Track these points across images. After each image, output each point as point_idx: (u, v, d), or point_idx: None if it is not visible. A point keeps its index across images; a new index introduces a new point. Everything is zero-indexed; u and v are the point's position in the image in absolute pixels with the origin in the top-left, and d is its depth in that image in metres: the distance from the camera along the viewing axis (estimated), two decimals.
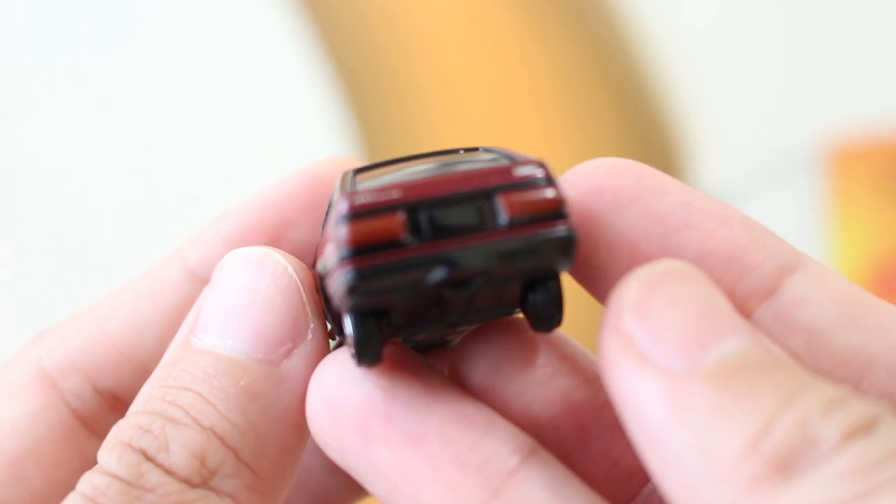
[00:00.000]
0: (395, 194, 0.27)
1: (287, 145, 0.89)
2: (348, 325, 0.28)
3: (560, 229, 0.27)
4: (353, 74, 0.88)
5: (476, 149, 0.31)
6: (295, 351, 0.30)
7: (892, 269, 0.84)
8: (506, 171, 0.28)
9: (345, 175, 0.30)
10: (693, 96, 0.88)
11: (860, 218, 0.85)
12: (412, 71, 0.88)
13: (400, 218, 0.27)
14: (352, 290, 0.27)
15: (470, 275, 0.27)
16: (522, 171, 0.28)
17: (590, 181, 0.29)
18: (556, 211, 0.27)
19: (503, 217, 0.27)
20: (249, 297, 0.30)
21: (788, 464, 0.24)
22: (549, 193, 0.27)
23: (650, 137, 0.89)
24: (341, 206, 0.27)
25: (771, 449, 0.24)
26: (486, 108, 0.89)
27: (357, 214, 0.27)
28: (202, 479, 0.28)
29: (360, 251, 0.27)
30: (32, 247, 0.87)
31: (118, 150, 0.88)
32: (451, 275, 0.27)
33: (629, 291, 0.26)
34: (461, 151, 0.31)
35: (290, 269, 0.31)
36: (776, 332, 0.28)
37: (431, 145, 0.87)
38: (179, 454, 0.29)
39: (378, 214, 0.27)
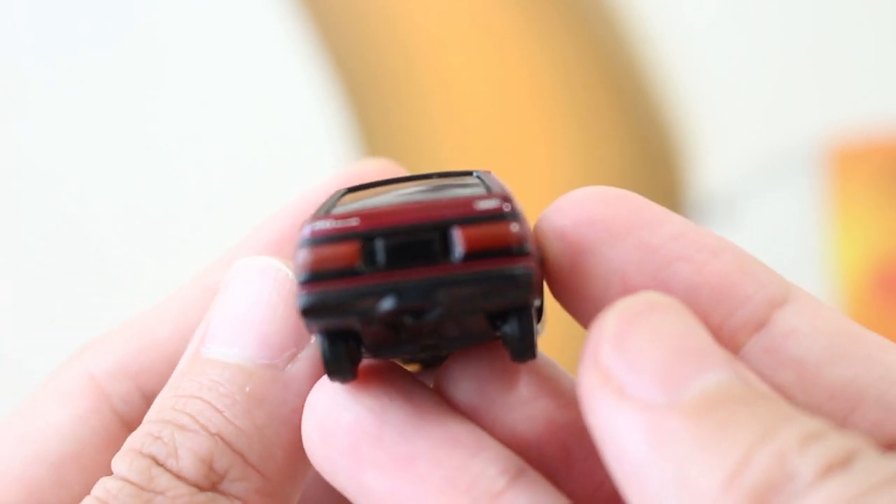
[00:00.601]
0: (353, 222, 0.27)
1: (287, 145, 0.89)
2: (319, 343, 0.28)
3: (515, 267, 0.27)
4: (353, 74, 0.88)
5: (469, 173, 0.31)
6: (299, 355, 0.31)
7: (892, 269, 0.84)
8: (466, 204, 0.27)
9: (332, 195, 0.31)
10: (693, 96, 0.88)
11: (860, 218, 0.85)
12: (412, 71, 0.88)
13: (355, 246, 0.27)
14: (304, 313, 0.27)
15: (420, 307, 0.27)
16: (484, 205, 0.27)
17: (582, 210, 0.29)
18: (514, 247, 0.27)
19: (459, 251, 0.27)
20: (253, 305, 0.31)
21: (766, 499, 0.24)
22: (508, 229, 0.27)
23: (650, 137, 0.89)
24: (303, 231, 0.28)
25: (749, 484, 0.24)
26: (486, 108, 0.89)
27: (315, 240, 0.27)
28: (211, 483, 0.29)
29: (315, 277, 0.27)
30: (32, 247, 0.87)
31: (118, 150, 0.88)
32: (400, 306, 0.27)
33: (608, 324, 0.26)
34: (455, 174, 0.31)
35: (292, 276, 0.31)
36: (766, 365, 0.28)
37: (431, 145, 0.87)
38: (187, 459, 0.29)
39: (334, 242, 0.27)
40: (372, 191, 0.31)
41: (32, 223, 0.88)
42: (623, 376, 0.26)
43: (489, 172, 0.31)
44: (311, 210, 0.31)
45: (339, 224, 0.27)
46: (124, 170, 0.88)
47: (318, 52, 0.88)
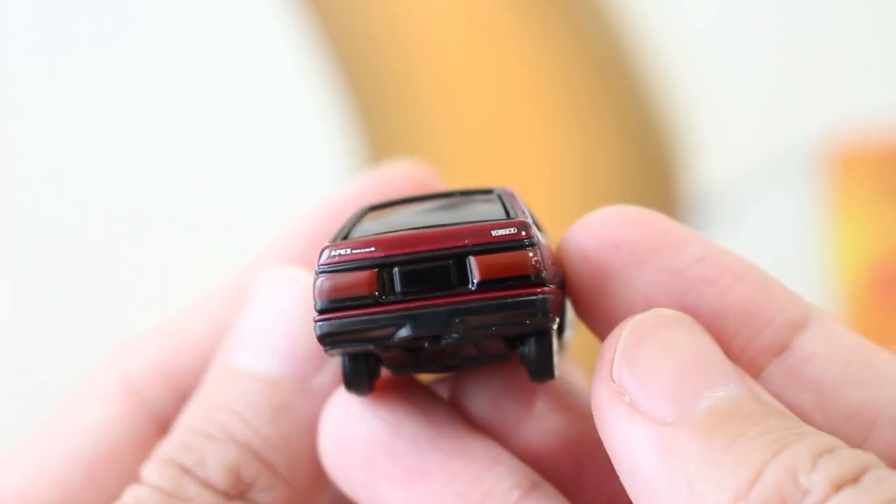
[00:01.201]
0: (370, 250, 0.28)
1: (287, 146, 0.89)
2: (340, 358, 0.29)
3: (532, 295, 0.27)
4: (354, 75, 0.88)
5: (490, 191, 0.31)
6: (324, 366, 0.31)
7: (892, 268, 0.84)
8: (483, 232, 0.28)
9: (354, 213, 0.31)
10: (693, 96, 0.88)
11: (860, 218, 0.85)
12: (412, 72, 0.88)
13: (371, 275, 0.28)
14: (321, 340, 0.28)
15: (436, 335, 0.27)
16: (500, 233, 0.28)
17: (606, 232, 0.29)
18: (530, 275, 0.27)
19: (475, 279, 0.27)
20: (280, 316, 0.32)
21: None
22: (524, 257, 0.27)
23: (650, 137, 0.89)
24: (321, 257, 0.28)
25: (760, 498, 0.24)
26: (485, 108, 0.89)
27: (332, 268, 0.28)
28: (238, 492, 0.30)
29: (331, 305, 0.28)
30: (30, 249, 0.87)
31: (120, 151, 0.88)
32: (416, 334, 0.27)
33: (621, 340, 0.27)
34: (475, 192, 0.31)
35: None
36: (787, 388, 0.28)
37: (431, 145, 0.87)
38: (215, 468, 0.30)
39: (351, 270, 0.28)
40: (393, 209, 0.31)
41: (31, 226, 0.88)
42: (635, 391, 0.26)
43: (509, 190, 0.31)
44: (337, 217, 0.32)
45: (356, 252, 0.28)
46: (127, 171, 0.88)
47: (318, 53, 0.88)
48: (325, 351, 0.28)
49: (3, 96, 0.88)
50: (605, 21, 0.89)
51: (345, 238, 0.29)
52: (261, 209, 0.86)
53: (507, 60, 0.89)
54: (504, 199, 0.30)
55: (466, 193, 0.31)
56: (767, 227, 0.85)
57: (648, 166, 0.89)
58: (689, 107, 0.88)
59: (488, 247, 0.28)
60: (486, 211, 0.29)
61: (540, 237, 0.29)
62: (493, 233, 0.28)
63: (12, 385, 0.84)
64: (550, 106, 0.88)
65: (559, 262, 0.30)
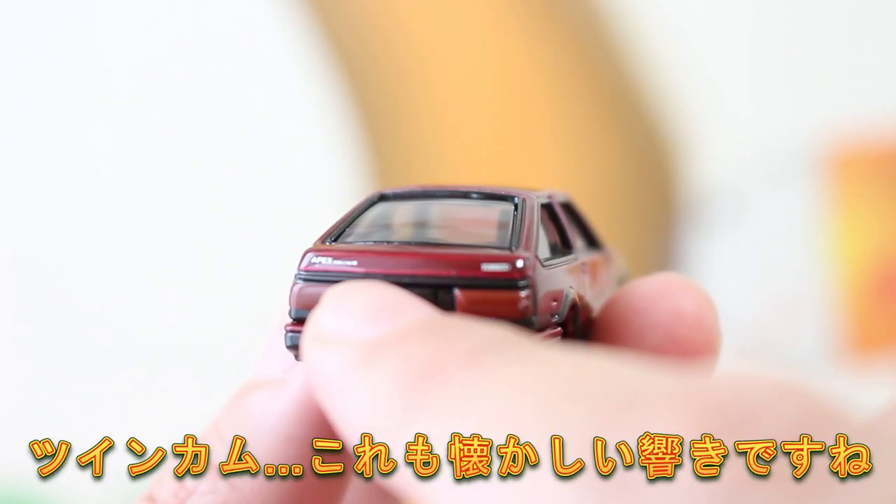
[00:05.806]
0: (351, 264, 0.26)
1: (289, 151, 0.89)
2: None
3: None
4: (354, 77, 0.88)
5: (511, 198, 0.29)
6: (296, 370, 0.30)
7: (893, 269, 0.84)
8: (472, 265, 0.26)
9: (362, 202, 0.29)
10: (692, 96, 0.88)
11: (860, 218, 0.85)
12: (408, 75, 0.88)
13: None
14: (290, 350, 0.27)
15: None
16: (490, 268, 0.26)
17: (670, 304, 0.29)
18: (516, 319, 0.25)
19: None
20: (278, 321, 0.30)
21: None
22: (513, 299, 0.25)
23: (650, 138, 0.89)
24: (302, 262, 0.27)
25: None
26: (484, 108, 0.89)
27: (310, 277, 0.27)
28: (179, 501, 0.28)
29: (303, 315, 0.26)
30: (30, 253, 0.87)
31: (119, 157, 0.88)
32: None
33: (325, 295, 0.25)
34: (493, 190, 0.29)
35: None
36: None
37: (426, 153, 0.87)
38: (168, 486, 0.28)
39: (329, 283, 0.26)
40: (402, 204, 0.29)
41: (31, 230, 0.88)
42: (334, 322, 0.24)
43: (532, 203, 0.28)
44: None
45: (337, 263, 0.26)
46: (126, 180, 0.88)
47: (322, 62, 0.88)
48: (296, 358, 0.27)
49: (3, 97, 0.87)
50: (602, 22, 0.89)
51: (339, 235, 0.28)
52: (265, 221, 0.86)
53: (503, 64, 0.89)
54: (517, 219, 0.28)
55: (489, 197, 0.29)
56: (767, 227, 0.85)
57: (648, 166, 0.89)
58: (689, 106, 0.88)
59: (475, 282, 0.26)
60: (490, 233, 0.27)
61: (541, 270, 0.26)
62: (484, 267, 0.26)
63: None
64: (549, 107, 0.88)
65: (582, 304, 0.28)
